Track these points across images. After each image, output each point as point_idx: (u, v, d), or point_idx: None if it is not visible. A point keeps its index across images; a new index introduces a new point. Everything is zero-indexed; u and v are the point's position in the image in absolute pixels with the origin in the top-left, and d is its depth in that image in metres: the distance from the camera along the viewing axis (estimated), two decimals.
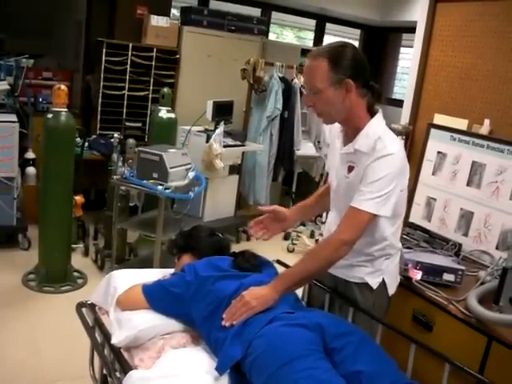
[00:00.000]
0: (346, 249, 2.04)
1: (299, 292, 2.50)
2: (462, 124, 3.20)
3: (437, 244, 2.96)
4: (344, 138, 2.22)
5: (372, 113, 2.14)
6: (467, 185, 3.02)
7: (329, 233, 2.29)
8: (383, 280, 2.25)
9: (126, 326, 2.09)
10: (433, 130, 3.24)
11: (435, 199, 3.18)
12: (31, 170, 5.32)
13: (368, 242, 2.17)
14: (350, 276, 2.27)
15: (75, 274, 4.55)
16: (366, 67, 2.10)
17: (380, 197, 2.01)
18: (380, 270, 2.24)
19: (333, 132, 2.34)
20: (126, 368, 1.92)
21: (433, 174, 3.17)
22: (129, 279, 2.34)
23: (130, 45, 5.87)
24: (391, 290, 2.30)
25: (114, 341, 2.07)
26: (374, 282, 2.24)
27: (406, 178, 2.16)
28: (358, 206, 2.03)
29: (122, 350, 2.09)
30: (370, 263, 2.22)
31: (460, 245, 2.93)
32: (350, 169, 2.16)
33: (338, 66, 2.01)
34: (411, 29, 3.59)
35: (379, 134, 2.07)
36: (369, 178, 2.03)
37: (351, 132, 2.15)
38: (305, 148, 6.32)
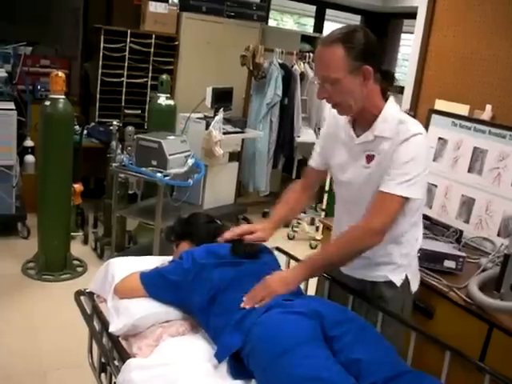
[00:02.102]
0: (379, 238, 1.97)
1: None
2: (463, 109, 3.17)
3: (438, 231, 2.94)
4: (355, 128, 2.12)
5: (385, 98, 2.08)
6: (468, 171, 2.99)
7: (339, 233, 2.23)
8: (406, 277, 2.19)
9: (124, 314, 2.08)
10: (434, 116, 3.21)
11: (436, 186, 3.15)
12: (30, 158, 5.31)
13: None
14: (373, 276, 2.20)
15: (75, 262, 4.55)
16: (379, 51, 2.04)
17: (412, 179, 1.94)
18: (402, 266, 2.18)
19: (331, 126, 2.25)
20: (124, 356, 1.90)
21: (434, 160, 3.14)
22: (127, 267, 2.32)
23: (129, 31, 5.82)
24: (414, 286, 2.25)
25: (111, 329, 2.05)
26: (398, 280, 2.18)
27: (430, 160, 2.11)
28: (389, 191, 1.95)
29: (120, 339, 2.07)
30: (390, 258, 2.16)
31: (461, 231, 2.91)
32: (370, 158, 2.06)
33: (354, 51, 1.91)
34: (412, 14, 3.56)
35: (399, 118, 2.02)
36: (399, 161, 1.95)
37: (365, 120, 2.06)
38: (305, 135, 6.28)
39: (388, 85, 2.09)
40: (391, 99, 2.09)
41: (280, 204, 2.40)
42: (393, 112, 2.05)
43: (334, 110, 2.14)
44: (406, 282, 2.20)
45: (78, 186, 4.86)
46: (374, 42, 1.98)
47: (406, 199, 1.97)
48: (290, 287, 1.96)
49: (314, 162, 2.38)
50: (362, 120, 2.08)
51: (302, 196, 2.43)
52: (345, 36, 1.93)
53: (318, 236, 5.58)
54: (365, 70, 1.94)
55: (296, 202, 2.42)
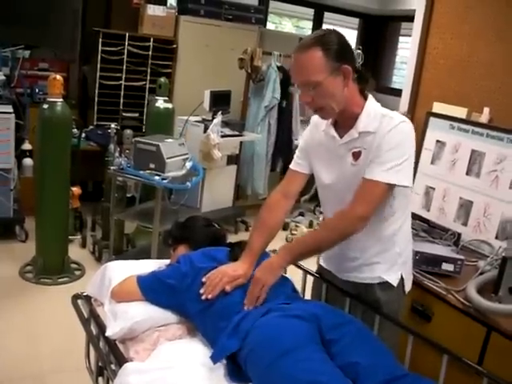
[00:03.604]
0: (362, 224, 1.96)
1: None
2: (461, 112, 3.17)
3: (436, 234, 2.94)
4: (336, 129, 2.11)
5: (365, 97, 2.08)
6: (466, 174, 2.99)
7: None
8: (401, 276, 2.18)
9: (121, 317, 2.07)
10: (432, 119, 3.21)
11: (434, 188, 3.15)
12: (28, 161, 5.29)
13: (378, 227, 2.10)
14: (367, 278, 2.18)
15: (73, 265, 4.54)
16: (352, 51, 2.03)
17: (397, 165, 1.93)
18: (397, 265, 2.16)
19: (313, 132, 2.23)
20: (121, 360, 1.90)
21: (432, 163, 3.15)
22: (124, 270, 2.31)
23: (127, 34, 5.81)
24: (407, 287, 2.23)
25: (108, 333, 2.04)
26: (394, 279, 2.16)
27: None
28: (372, 177, 1.95)
29: (117, 342, 2.07)
30: (383, 257, 2.14)
31: (459, 234, 2.91)
32: (357, 155, 2.05)
33: (332, 52, 1.91)
34: (410, 18, 3.56)
35: (381, 112, 2.02)
36: (383, 148, 1.95)
37: (347, 120, 2.06)
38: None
39: (364, 83, 2.09)
40: (370, 97, 2.09)
41: (257, 229, 2.23)
42: (375, 107, 2.05)
43: (315, 116, 2.16)
44: (401, 281, 2.19)
45: (76, 189, 4.85)
46: (347, 43, 1.99)
47: (390, 186, 1.96)
48: (276, 273, 1.97)
49: (298, 165, 2.29)
50: (344, 120, 2.08)
51: (283, 209, 2.27)
52: (320, 38, 1.93)
53: None
54: (344, 70, 1.95)
55: (276, 220, 2.26)
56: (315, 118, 2.21)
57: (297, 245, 2.06)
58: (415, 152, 2.04)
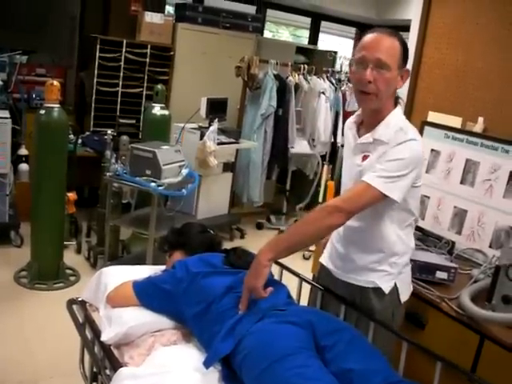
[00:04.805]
0: (340, 216, 1.95)
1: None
2: (455, 122, 3.19)
3: (430, 242, 2.95)
4: (359, 129, 2.20)
5: (396, 103, 2.14)
6: (461, 183, 3.01)
7: (338, 234, 2.30)
8: (395, 285, 2.19)
9: (116, 322, 2.08)
10: (427, 128, 3.23)
11: (429, 197, 3.17)
12: (24, 166, 5.30)
13: (377, 237, 2.14)
14: (362, 281, 2.20)
15: (68, 271, 4.53)
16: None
17: (392, 177, 1.96)
18: (391, 274, 2.18)
19: (346, 132, 2.31)
20: (116, 365, 1.90)
21: (426, 171, 3.16)
22: (119, 276, 2.32)
23: (124, 41, 5.85)
24: (404, 297, 2.24)
25: (103, 338, 2.05)
26: (386, 287, 2.18)
27: (423, 171, 2.14)
28: (367, 181, 1.97)
29: (112, 348, 2.07)
30: (379, 264, 2.17)
31: (453, 243, 2.93)
32: (365, 158, 2.12)
33: (404, 52, 2.03)
34: (406, 27, 3.58)
35: (400, 125, 2.06)
36: (386, 158, 1.99)
37: (371, 121, 2.11)
38: (299, 146, 6.29)
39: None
40: (399, 106, 2.15)
41: None
42: (396, 119, 2.10)
43: (349, 120, 2.27)
44: (395, 290, 2.20)
45: (71, 195, 4.85)
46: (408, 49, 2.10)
47: (380, 194, 1.97)
48: (263, 272, 1.93)
49: None
50: (369, 120, 2.14)
51: None
52: (400, 35, 2.04)
53: (312, 247, 5.57)
54: (406, 72, 2.07)
55: None
56: (347, 122, 2.31)
57: (280, 240, 2.05)
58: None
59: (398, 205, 2.05)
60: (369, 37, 2.03)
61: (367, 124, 2.16)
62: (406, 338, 2.09)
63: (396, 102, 2.15)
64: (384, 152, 2.03)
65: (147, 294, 2.15)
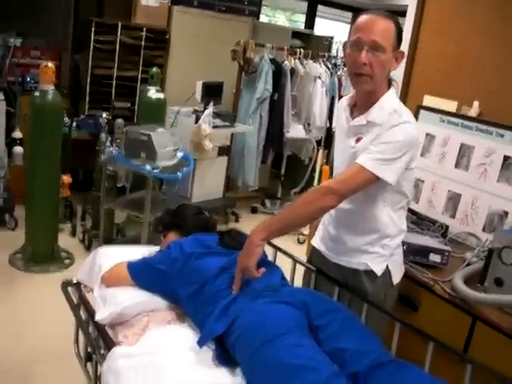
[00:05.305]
0: (334, 198, 1.96)
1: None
2: (451, 106, 3.19)
3: (424, 225, 2.96)
4: (352, 111, 2.19)
5: (389, 85, 2.14)
6: (455, 167, 3.02)
7: (330, 216, 2.30)
8: (387, 267, 2.21)
9: (111, 302, 2.09)
10: (422, 112, 3.23)
11: (423, 181, 3.18)
12: (18, 149, 5.28)
13: (370, 219, 2.15)
14: (355, 263, 2.22)
15: (62, 253, 4.54)
16: None
17: (386, 160, 1.97)
18: (383, 256, 2.19)
19: (338, 111, 2.32)
20: (110, 344, 1.91)
21: (421, 155, 3.16)
22: (114, 256, 2.33)
23: (120, 24, 5.78)
24: (395, 278, 2.25)
25: (98, 317, 2.06)
26: (379, 269, 2.19)
27: (417, 154, 2.15)
28: (361, 163, 1.98)
29: (106, 328, 2.08)
30: (371, 246, 2.18)
31: (447, 226, 2.93)
32: (358, 140, 2.12)
33: (399, 34, 2.04)
34: (402, 12, 3.57)
35: (394, 107, 2.06)
36: (380, 140, 2.00)
37: (365, 103, 2.11)
38: (294, 130, 6.29)
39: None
40: (393, 88, 2.15)
41: None
42: (390, 101, 2.09)
43: (342, 100, 2.28)
44: (387, 272, 2.22)
45: (66, 178, 4.85)
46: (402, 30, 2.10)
47: (373, 176, 1.97)
48: (256, 252, 1.95)
49: None
50: (363, 102, 2.13)
51: None
52: (394, 17, 2.04)
53: (306, 230, 5.58)
54: (400, 54, 2.07)
55: None
56: (340, 102, 2.32)
57: (273, 221, 2.05)
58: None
59: (391, 187, 2.06)
60: (364, 18, 2.02)
61: (361, 106, 2.15)
62: (398, 319, 2.11)
63: (389, 84, 2.14)
64: (378, 134, 2.03)
65: (141, 275, 2.16)
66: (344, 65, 6.51)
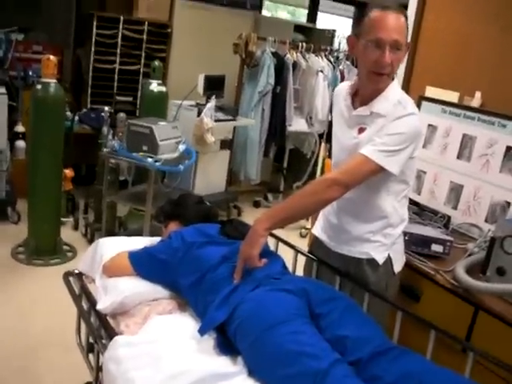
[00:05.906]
0: (338, 190, 1.96)
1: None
2: (453, 96, 3.18)
3: (426, 216, 2.96)
4: (354, 101, 2.17)
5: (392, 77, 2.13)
6: (457, 158, 3.01)
7: (331, 206, 2.27)
8: (389, 256, 2.21)
9: (112, 292, 2.09)
10: (424, 103, 3.22)
11: (425, 172, 3.17)
12: (21, 143, 5.29)
13: (373, 208, 2.15)
14: (356, 252, 2.21)
15: (65, 247, 4.55)
16: None
17: (391, 151, 1.96)
18: (385, 245, 2.19)
19: (335, 100, 2.31)
20: (112, 334, 1.91)
21: (423, 146, 3.15)
22: (116, 247, 2.33)
23: (121, 18, 5.80)
24: (397, 267, 2.25)
25: (99, 307, 2.06)
26: (380, 258, 2.19)
27: (420, 145, 2.15)
28: (366, 154, 1.97)
29: (108, 317, 2.09)
30: (373, 235, 2.18)
31: (449, 217, 2.93)
32: (361, 130, 2.11)
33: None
34: (404, 6, 3.56)
35: (398, 98, 2.05)
36: (385, 132, 1.99)
37: (369, 93, 2.10)
38: (296, 124, 6.29)
39: None
40: (396, 80, 2.15)
41: None
42: (394, 92, 2.09)
43: (337, 88, 2.30)
44: (389, 261, 2.21)
45: (68, 172, 4.85)
46: None
47: (378, 167, 1.97)
48: (259, 241, 1.95)
49: None
50: (367, 92, 2.11)
51: None
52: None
53: (308, 224, 5.58)
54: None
55: None
56: (337, 90, 2.32)
57: (277, 211, 2.04)
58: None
59: (395, 177, 2.05)
60: (380, 16, 1.98)
61: (364, 96, 2.13)
62: (400, 308, 2.11)
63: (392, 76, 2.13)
64: (382, 125, 2.02)
65: (143, 264, 2.16)
66: (346, 58, 6.50)
